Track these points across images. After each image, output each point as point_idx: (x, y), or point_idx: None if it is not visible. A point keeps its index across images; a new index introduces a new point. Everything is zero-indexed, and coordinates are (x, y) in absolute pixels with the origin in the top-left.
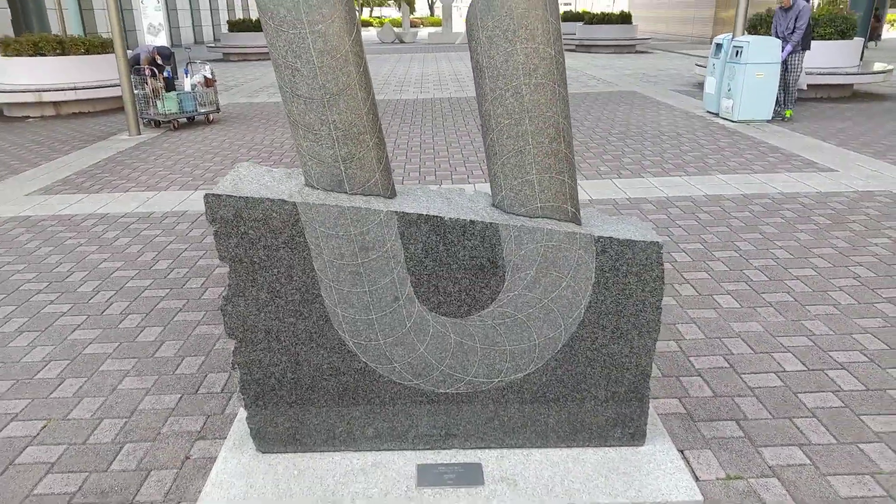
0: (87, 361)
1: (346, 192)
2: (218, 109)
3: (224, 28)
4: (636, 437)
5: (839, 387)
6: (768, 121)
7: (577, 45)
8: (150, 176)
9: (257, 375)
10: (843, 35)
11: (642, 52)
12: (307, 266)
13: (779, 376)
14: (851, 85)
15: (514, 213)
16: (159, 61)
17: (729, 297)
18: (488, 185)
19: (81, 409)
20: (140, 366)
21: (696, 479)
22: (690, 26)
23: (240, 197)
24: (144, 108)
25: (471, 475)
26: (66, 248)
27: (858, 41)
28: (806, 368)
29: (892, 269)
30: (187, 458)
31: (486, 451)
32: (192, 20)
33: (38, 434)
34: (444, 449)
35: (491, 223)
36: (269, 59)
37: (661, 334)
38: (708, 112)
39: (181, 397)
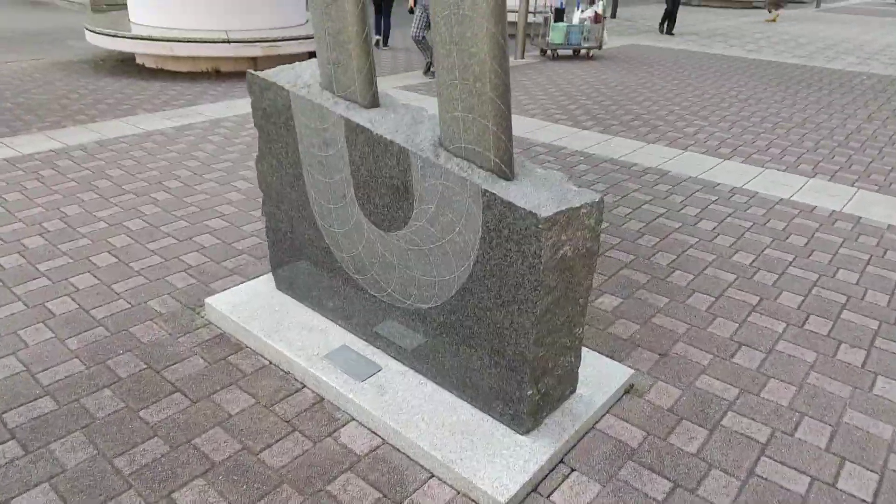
0: None
1: (332, 93)
2: (600, 47)
3: None
4: (515, 421)
5: None
6: None
7: None
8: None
9: (273, 225)
10: None
11: None
12: (297, 148)
13: None
14: None
15: (445, 148)
16: None
17: None
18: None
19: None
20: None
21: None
22: None
23: (263, 78)
24: (534, 37)
25: (363, 369)
26: None
27: None
28: None
29: None
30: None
31: (396, 362)
32: None
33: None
34: (372, 346)
35: (404, 147)
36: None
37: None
38: None
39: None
